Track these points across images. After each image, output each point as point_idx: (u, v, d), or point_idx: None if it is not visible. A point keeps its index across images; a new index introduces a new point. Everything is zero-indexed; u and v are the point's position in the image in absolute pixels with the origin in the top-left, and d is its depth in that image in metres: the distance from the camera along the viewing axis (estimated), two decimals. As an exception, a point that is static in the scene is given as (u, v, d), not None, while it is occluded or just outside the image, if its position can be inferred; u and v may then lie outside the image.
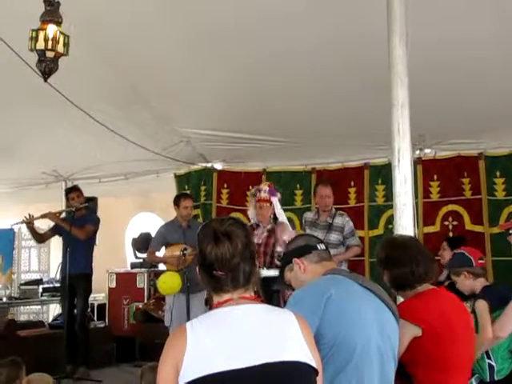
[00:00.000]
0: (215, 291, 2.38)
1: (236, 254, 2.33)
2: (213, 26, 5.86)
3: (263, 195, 6.85)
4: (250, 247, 2.40)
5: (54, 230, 8.67)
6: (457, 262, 4.72)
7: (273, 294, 6.33)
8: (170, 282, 6.95)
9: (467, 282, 4.65)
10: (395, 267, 3.42)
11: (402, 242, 3.61)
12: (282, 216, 7.00)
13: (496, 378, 4.40)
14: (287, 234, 6.56)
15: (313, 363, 2.27)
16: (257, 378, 2.16)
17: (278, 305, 6.01)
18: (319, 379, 2.32)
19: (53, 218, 8.44)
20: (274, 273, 6.41)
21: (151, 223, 10.95)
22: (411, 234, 4.44)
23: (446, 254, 6.37)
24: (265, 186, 7.00)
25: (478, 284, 4.61)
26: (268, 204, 6.87)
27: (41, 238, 8.86)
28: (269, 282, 6.34)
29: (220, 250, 2.33)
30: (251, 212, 7.10)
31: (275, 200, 6.94)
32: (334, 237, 7.01)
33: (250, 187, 9.39)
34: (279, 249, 6.62)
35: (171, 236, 7.61)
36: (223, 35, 5.98)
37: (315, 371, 2.29)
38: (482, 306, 4.44)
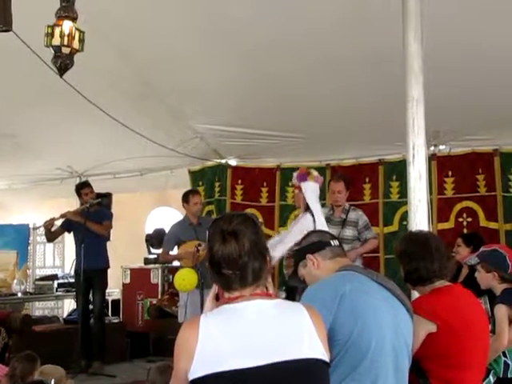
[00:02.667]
0: (224, 289, 2.38)
1: (243, 253, 2.32)
2: (227, 23, 5.85)
3: (294, 181, 6.61)
4: (259, 245, 2.38)
5: (64, 227, 8.71)
6: (493, 260, 4.64)
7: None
8: (189, 279, 6.95)
9: (491, 282, 4.62)
10: (410, 261, 3.42)
11: (420, 237, 3.60)
12: (313, 205, 6.42)
13: (509, 376, 4.40)
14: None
15: (325, 357, 2.28)
16: (268, 377, 2.16)
17: None
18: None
19: (73, 216, 8.45)
20: None
21: (169, 217, 10.95)
22: (429, 231, 4.43)
23: (462, 250, 6.33)
24: (295, 173, 6.67)
25: (501, 286, 4.58)
26: (297, 190, 6.56)
27: (52, 235, 8.88)
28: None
29: (227, 249, 2.33)
30: None
31: (305, 185, 6.47)
32: (348, 232, 7.00)
33: (265, 183, 9.46)
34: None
35: (183, 234, 7.62)
36: (238, 32, 5.97)
37: (328, 366, 2.30)
38: (502, 311, 4.40)
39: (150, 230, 11.02)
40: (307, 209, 6.38)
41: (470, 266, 5.10)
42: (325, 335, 2.34)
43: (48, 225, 8.38)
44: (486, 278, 4.63)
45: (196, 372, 2.15)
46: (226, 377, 2.12)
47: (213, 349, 2.17)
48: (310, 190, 6.45)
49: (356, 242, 7.07)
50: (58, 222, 8.82)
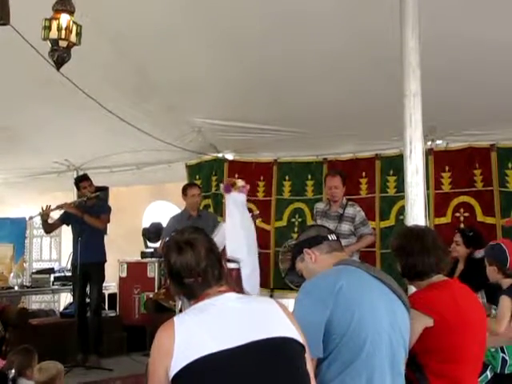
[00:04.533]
0: (190, 298, 2.49)
1: (201, 259, 2.45)
2: (226, 17, 5.85)
3: (221, 190, 6.89)
4: (214, 251, 2.53)
5: (63, 220, 8.71)
6: (493, 253, 4.76)
7: None
8: None
9: (496, 275, 4.72)
10: (407, 256, 3.42)
11: (416, 231, 3.60)
12: (230, 217, 6.83)
13: (506, 372, 4.44)
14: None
15: (299, 339, 2.37)
16: (249, 355, 2.24)
17: None
18: (307, 356, 2.41)
19: (69, 209, 8.46)
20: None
21: (167, 211, 10.96)
22: (424, 225, 4.43)
23: (460, 250, 6.26)
24: (223, 183, 7.01)
25: (507, 281, 4.66)
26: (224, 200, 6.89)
27: (50, 227, 8.89)
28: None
29: (184, 258, 2.46)
30: None
31: (228, 197, 6.86)
32: (345, 227, 7.01)
33: (262, 177, 9.47)
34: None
35: (181, 226, 7.63)
36: (235, 26, 5.97)
37: (303, 347, 2.38)
38: (505, 303, 4.56)
39: (146, 224, 11.02)
40: None
41: (477, 259, 5.20)
42: (295, 322, 2.43)
43: (45, 214, 8.37)
44: (490, 272, 4.74)
45: (177, 366, 2.20)
46: (208, 360, 2.18)
47: (190, 340, 2.24)
48: (233, 200, 6.82)
49: (352, 236, 7.08)
50: (56, 214, 8.81)
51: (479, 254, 4.95)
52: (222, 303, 2.39)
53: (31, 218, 9.15)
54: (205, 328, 2.28)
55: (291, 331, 2.36)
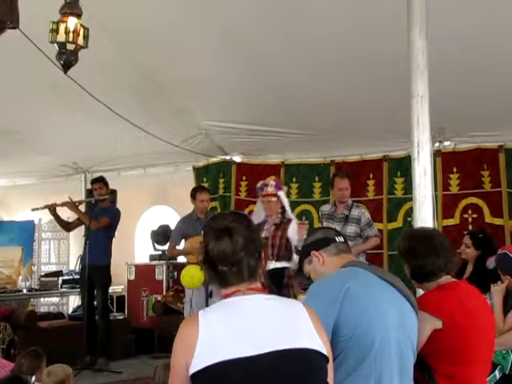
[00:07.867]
0: (221, 285, 2.43)
1: (237, 249, 2.37)
2: (232, 20, 5.85)
3: (270, 189, 6.86)
4: (255, 241, 2.43)
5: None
6: (506, 265, 4.77)
7: (282, 283, 6.53)
8: (197, 276, 6.95)
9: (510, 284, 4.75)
10: (416, 258, 3.41)
11: (424, 233, 3.60)
12: (290, 211, 7.04)
13: None
14: (297, 233, 6.67)
15: (323, 350, 2.31)
16: (268, 365, 2.19)
17: (288, 296, 6.07)
18: (330, 366, 2.35)
19: (71, 208, 8.49)
20: (282, 264, 6.54)
21: (166, 216, 10.94)
22: (431, 227, 4.43)
23: (470, 252, 6.23)
24: (271, 181, 6.98)
25: None
26: (275, 198, 6.86)
27: (68, 226, 8.95)
28: (277, 273, 6.55)
29: (221, 246, 2.38)
30: (257, 208, 7.14)
31: (282, 194, 6.94)
32: (351, 229, 7.01)
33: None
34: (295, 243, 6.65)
35: (189, 229, 7.64)
36: (242, 28, 5.97)
37: (326, 358, 2.32)
38: None
39: (146, 228, 10.99)
40: (283, 214, 6.91)
41: (489, 269, 5.26)
42: (322, 330, 2.37)
43: (50, 208, 8.43)
44: (505, 280, 4.75)
45: (198, 364, 2.17)
46: (227, 366, 2.15)
47: (213, 340, 2.20)
48: (285, 197, 7.01)
49: (358, 238, 7.08)
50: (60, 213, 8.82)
51: (491, 264, 4.95)
52: (250, 304, 2.33)
53: (35, 209, 9.11)
54: (229, 329, 2.23)
55: (316, 341, 2.30)
